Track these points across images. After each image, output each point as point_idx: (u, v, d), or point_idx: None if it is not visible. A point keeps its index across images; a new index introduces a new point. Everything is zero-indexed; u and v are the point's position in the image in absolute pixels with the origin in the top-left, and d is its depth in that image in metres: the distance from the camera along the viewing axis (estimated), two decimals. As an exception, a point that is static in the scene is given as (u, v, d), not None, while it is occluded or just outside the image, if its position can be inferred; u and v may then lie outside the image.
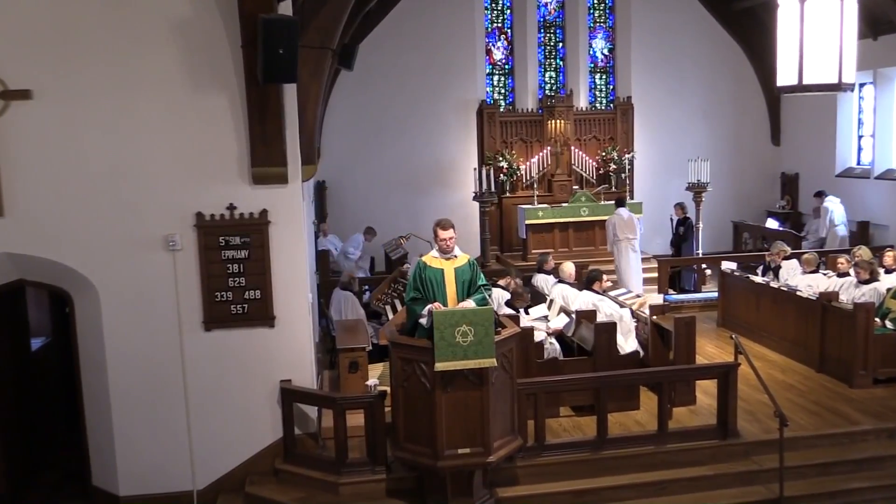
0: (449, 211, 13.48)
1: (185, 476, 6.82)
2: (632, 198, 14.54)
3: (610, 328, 7.71)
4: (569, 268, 9.23)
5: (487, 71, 15.44)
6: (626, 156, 14.96)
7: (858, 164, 14.45)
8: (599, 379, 6.96)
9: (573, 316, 8.24)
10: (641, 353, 8.04)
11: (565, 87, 15.60)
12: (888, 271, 9.35)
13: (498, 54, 15.54)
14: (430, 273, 6.07)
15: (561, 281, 9.18)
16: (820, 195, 13.41)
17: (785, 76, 7.99)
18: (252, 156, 6.57)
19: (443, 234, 6.12)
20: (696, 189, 13.48)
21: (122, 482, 6.78)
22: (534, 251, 13.19)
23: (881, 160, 13.71)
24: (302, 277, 6.94)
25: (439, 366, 5.64)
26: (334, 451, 6.60)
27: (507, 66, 15.61)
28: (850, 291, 9.02)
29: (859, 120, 14.44)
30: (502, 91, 15.61)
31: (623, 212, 12.32)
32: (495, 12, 15.46)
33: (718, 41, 15.60)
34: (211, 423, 6.82)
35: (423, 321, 5.92)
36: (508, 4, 15.43)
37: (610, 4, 15.73)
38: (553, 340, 8.10)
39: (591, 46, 15.74)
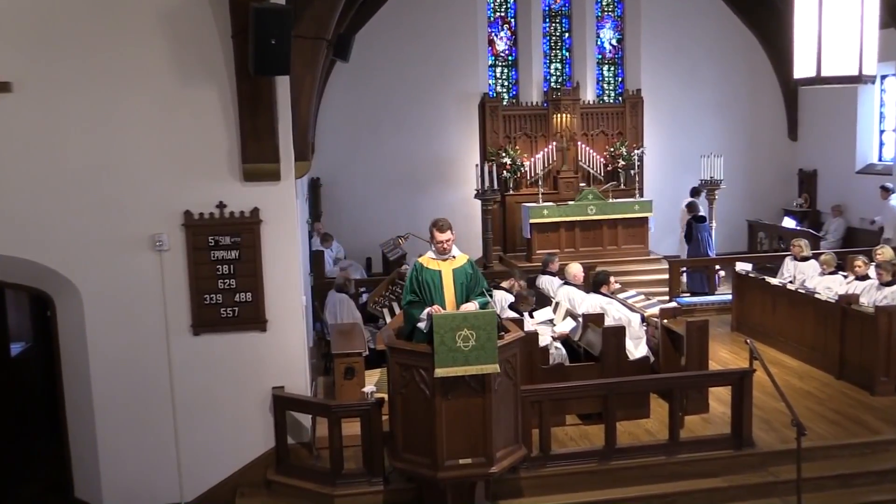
0: (449, 209, 13.50)
1: (172, 488, 6.83)
2: (641, 195, 14.55)
3: (618, 332, 7.71)
4: (575, 269, 9.23)
5: (490, 62, 15.44)
6: (636, 151, 14.94)
7: (880, 160, 14.45)
8: (607, 386, 6.96)
9: (580, 319, 8.24)
10: (652, 358, 8.04)
11: (571, 79, 15.61)
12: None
13: (501, 45, 15.54)
14: (428, 275, 6.07)
15: (567, 283, 9.18)
16: (886, 190, 13.20)
17: (802, 68, 7.97)
18: (243, 151, 6.57)
19: (440, 236, 6.11)
20: (710, 186, 13.49)
21: (105, 494, 6.77)
22: (538, 252, 13.18)
23: (904, 156, 13.73)
24: (295, 279, 6.94)
25: (439, 372, 5.64)
26: (329, 462, 6.59)
27: (510, 58, 15.61)
28: (871, 294, 9.02)
29: (881, 114, 14.44)
30: (505, 84, 15.61)
31: (684, 203, 13.03)
32: (498, 1, 15.46)
33: (732, 31, 15.61)
34: (199, 432, 6.83)
35: (422, 325, 5.92)
36: (512, -8, 15.47)
37: (618, -8, 15.77)
38: (559, 345, 8.10)
39: (598, 36, 15.74)
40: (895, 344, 8.21)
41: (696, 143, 14.98)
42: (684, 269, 12.68)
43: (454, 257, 6.18)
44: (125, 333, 6.64)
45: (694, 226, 13.26)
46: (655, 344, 8.13)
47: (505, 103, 15.25)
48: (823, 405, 8.02)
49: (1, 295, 7.36)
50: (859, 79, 7.88)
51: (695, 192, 13.52)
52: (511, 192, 14.69)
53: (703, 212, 13.38)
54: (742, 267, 11.05)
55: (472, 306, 5.94)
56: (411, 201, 14.51)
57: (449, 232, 6.14)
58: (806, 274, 10.25)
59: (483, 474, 5.95)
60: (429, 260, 6.17)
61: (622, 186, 14.79)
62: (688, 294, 12.41)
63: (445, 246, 6.13)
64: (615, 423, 6.86)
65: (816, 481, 6.62)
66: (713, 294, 12.37)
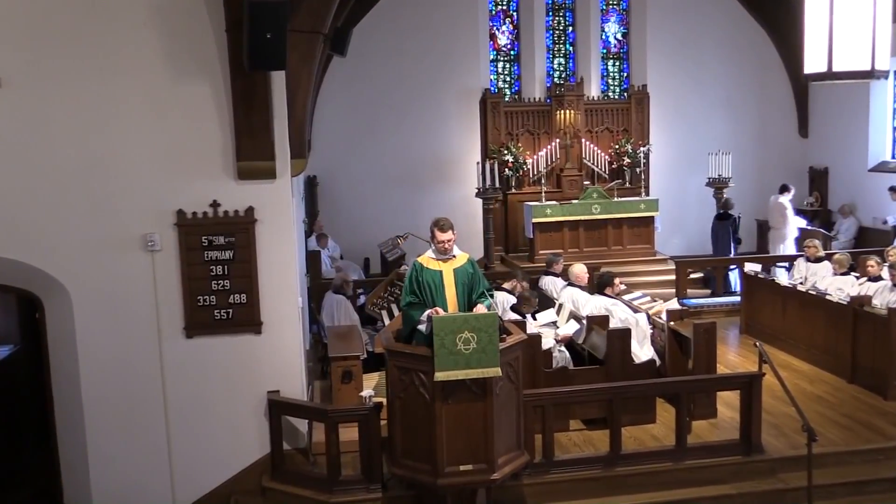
0: (450, 208, 13.50)
1: (164, 495, 6.82)
2: (647, 194, 14.56)
3: (624, 335, 7.71)
4: (579, 270, 9.24)
5: (491, 57, 15.43)
6: (641, 149, 14.96)
7: (893, 157, 14.45)
8: (612, 390, 6.96)
9: (584, 322, 8.24)
10: (658, 361, 8.05)
11: (575, 74, 15.60)
12: (925, 273, 9.34)
13: (503, 39, 15.54)
14: (428, 275, 6.07)
15: (571, 284, 9.19)
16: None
17: (813, 62, 7.97)
18: (237, 149, 6.57)
19: (441, 235, 6.11)
20: (717, 185, 13.48)
21: (96, 501, 6.76)
22: (541, 252, 13.19)
23: (918, 153, 13.74)
24: (291, 280, 6.94)
25: (439, 375, 5.64)
26: (326, 468, 6.60)
27: (512, 52, 15.61)
28: (884, 295, 9.02)
29: (894, 110, 14.43)
30: (507, 79, 15.62)
31: (781, 198, 13.11)
32: (500, -6, 15.49)
33: (741, 24, 15.60)
34: (192, 437, 6.83)
35: (422, 327, 5.92)
36: (514, -15, 15.47)
37: (624, -15, 15.77)
38: (562, 348, 8.10)
39: (603, 30, 15.74)
40: (909, 347, 8.22)
41: (704, 141, 14.97)
42: (691, 270, 12.70)
43: (454, 257, 6.18)
44: (116, 336, 6.64)
45: (714, 223, 13.27)
46: (662, 347, 8.13)
47: (507, 99, 15.25)
48: (835, 410, 8.02)
49: (-12, 296, 7.37)
50: (872, 74, 7.88)
51: (784, 189, 13.37)
52: (513, 190, 14.68)
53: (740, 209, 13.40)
54: (751, 268, 11.05)
55: (482, 310, 5.93)
56: (410, 200, 14.50)
57: (450, 232, 6.14)
58: (818, 275, 10.25)
59: (484, 481, 5.94)
60: (429, 260, 6.16)
61: (627, 185, 14.80)
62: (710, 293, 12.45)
63: (447, 246, 6.13)
64: (620, 428, 6.86)
65: (828, 489, 6.62)
66: (720, 295, 12.38)
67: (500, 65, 15.59)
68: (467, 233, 13.49)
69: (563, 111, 14.74)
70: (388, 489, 6.52)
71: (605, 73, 15.86)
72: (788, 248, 13.19)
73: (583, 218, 13.68)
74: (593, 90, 15.44)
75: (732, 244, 13.14)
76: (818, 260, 10.49)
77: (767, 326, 10.33)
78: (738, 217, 13.32)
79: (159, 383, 6.74)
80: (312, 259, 11.31)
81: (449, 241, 6.13)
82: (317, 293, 10.38)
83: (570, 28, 15.73)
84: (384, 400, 6.49)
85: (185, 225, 6.63)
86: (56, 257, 6.49)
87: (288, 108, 6.73)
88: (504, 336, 5.96)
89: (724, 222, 13.18)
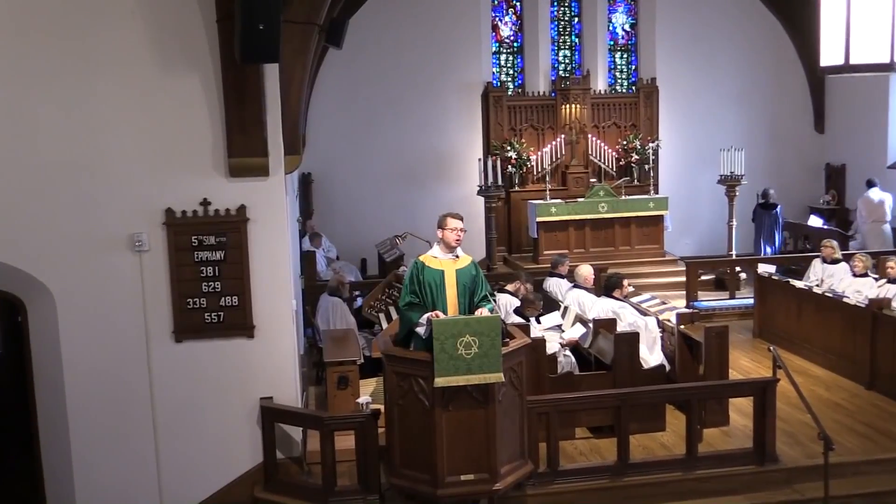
0: (450, 207, 13.16)
1: (152, 506, 6.83)
2: (656, 192, 14.57)
3: (632, 339, 7.71)
4: (585, 271, 9.24)
5: (494, 49, 15.45)
6: (650, 144, 14.96)
7: (914, 154, 14.47)
8: (620, 396, 6.96)
9: (590, 325, 8.24)
10: (667, 367, 8.05)
11: (581, 67, 15.62)
12: (946, 275, 9.34)
13: (506, 30, 15.56)
14: (429, 274, 6.06)
15: (577, 286, 9.19)
16: None
17: (829, 55, 7.98)
18: (228, 145, 6.58)
19: (454, 223, 6.10)
20: (729, 182, 13.47)
21: (81, 513, 6.78)
22: (546, 252, 13.20)
23: (939, 150, 13.74)
24: (285, 282, 6.95)
25: (440, 381, 5.64)
26: (321, 478, 6.60)
27: (515, 44, 15.62)
28: (903, 298, 9.03)
29: (915, 105, 14.44)
30: (510, 72, 15.63)
31: (873, 193, 13.01)
32: (502, -17, 15.50)
33: (755, 15, 15.61)
34: (182, 445, 6.83)
35: (421, 330, 5.92)
36: (517, -26, 15.48)
37: (632, -26, 15.78)
38: (568, 353, 8.10)
39: (610, 21, 15.75)
40: (929, 351, 8.22)
41: (716, 136, 14.96)
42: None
43: (458, 257, 6.18)
44: (102, 340, 6.64)
45: (758, 210, 13.24)
46: (672, 351, 8.14)
47: (510, 93, 15.25)
48: (852, 417, 8.02)
49: (-31, 299, 7.35)
50: (891, 67, 7.89)
51: (870, 184, 13.30)
52: (516, 188, 14.70)
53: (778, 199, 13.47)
54: (764, 269, 11.04)
55: (484, 314, 5.92)
56: (409, 198, 14.51)
57: (462, 222, 6.14)
58: (835, 277, 10.24)
59: (486, 491, 5.94)
60: (431, 259, 6.14)
61: (636, 182, 14.80)
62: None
63: (459, 236, 6.12)
64: (628, 436, 6.86)
65: (845, 499, 6.61)
66: (732, 297, 12.39)
67: (503, 57, 15.59)
68: (469, 232, 13.37)
69: (568, 105, 14.75)
70: (386, 500, 6.52)
71: (612, 66, 15.87)
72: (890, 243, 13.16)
73: (589, 217, 13.68)
74: (600, 83, 15.44)
75: (778, 235, 13.11)
76: (835, 261, 10.48)
77: (782, 330, 10.33)
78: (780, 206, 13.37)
79: (147, 389, 6.74)
80: (308, 260, 11.31)
81: (463, 230, 6.13)
82: (312, 295, 10.39)
83: (576, 18, 15.73)
84: (382, 407, 6.49)
85: (175, 224, 6.63)
86: (39, 258, 6.50)
87: (281, 102, 6.73)
88: (507, 340, 5.98)
89: (770, 211, 13.17)
